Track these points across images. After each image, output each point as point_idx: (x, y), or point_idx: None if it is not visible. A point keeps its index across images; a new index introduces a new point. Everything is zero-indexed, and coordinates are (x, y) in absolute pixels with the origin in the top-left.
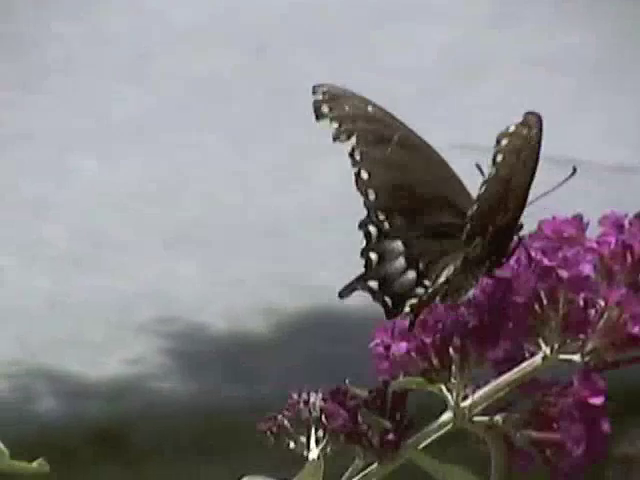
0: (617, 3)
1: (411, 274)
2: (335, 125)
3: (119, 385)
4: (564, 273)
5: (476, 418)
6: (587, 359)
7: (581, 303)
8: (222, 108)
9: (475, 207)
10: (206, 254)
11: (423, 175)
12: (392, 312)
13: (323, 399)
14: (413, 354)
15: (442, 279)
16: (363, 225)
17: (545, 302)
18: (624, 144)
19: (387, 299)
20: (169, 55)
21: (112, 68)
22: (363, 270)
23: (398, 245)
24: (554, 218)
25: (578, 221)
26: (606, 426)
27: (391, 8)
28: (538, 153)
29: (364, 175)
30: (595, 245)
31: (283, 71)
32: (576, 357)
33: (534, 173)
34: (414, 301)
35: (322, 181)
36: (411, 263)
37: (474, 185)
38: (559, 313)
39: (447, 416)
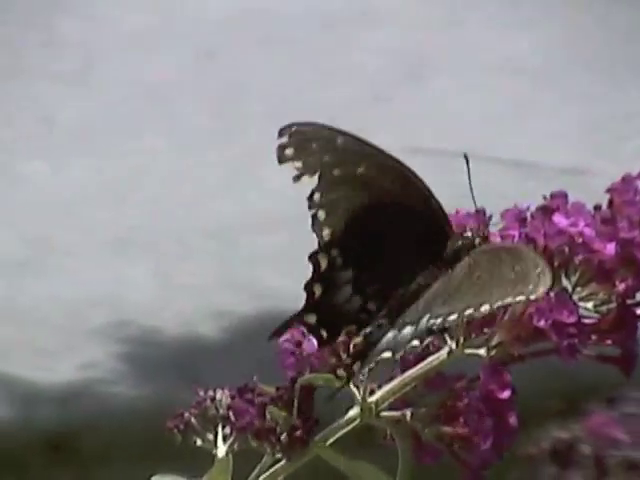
0: (565, 9)
1: (356, 300)
2: (298, 165)
3: (71, 390)
4: None
5: (383, 413)
6: (493, 353)
7: None
8: (172, 112)
9: None
10: (156, 258)
11: (386, 199)
12: (325, 342)
13: (231, 397)
14: (323, 351)
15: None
16: (313, 256)
17: None
18: (572, 147)
19: (323, 332)
20: (119, 59)
21: (61, 72)
22: (304, 303)
23: (347, 273)
24: (457, 212)
25: (481, 215)
26: (513, 419)
27: (341, 12)
28: None
29: (321, 215)
30: (499, 239)
31: (232, 75)
32: (482, 351)
33: None
34: (352, 327)
35: (271, 185)
36: (358, 289)
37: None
38: None
39: (354, 412)
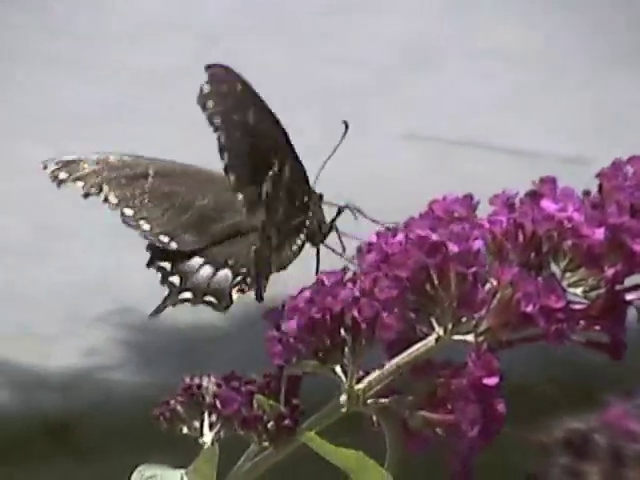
0: None
1: (222, 272)
2: (80, 184)
3: (72, 377)
4: (454, 248)
5: (370, 401)
6: (481, 339)
7: (470, 279)
8: (174, 98)
9: (225, 158)
10: None
11: (193, 194)
12: (221, 307)
13: (217, 384)
14: (304, 333)
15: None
16: (151, 263)
17: (436, 282)
18: (577, 135)
19: (209, 298)
20: (120, 45)
21: (68, 57)
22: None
23: (197, 260)
24: (444, 198)
25: (468, 200)
26: (501, 406)
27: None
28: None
29: (128, 212)
30: (487, 224)
31: (234, 61)
32: (469, 337)
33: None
34: (236, 289)
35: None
36: (216, 265)
37: (422, 172)
38: (451, 293)
39: (341, 399)
